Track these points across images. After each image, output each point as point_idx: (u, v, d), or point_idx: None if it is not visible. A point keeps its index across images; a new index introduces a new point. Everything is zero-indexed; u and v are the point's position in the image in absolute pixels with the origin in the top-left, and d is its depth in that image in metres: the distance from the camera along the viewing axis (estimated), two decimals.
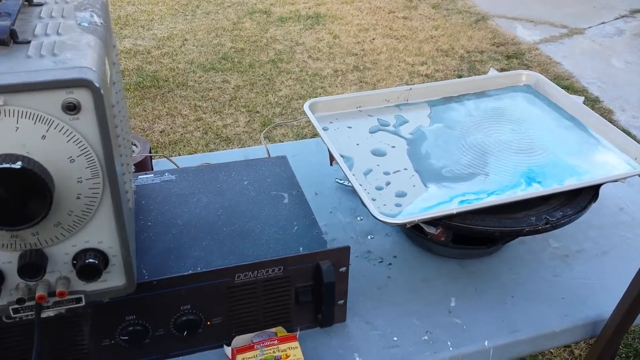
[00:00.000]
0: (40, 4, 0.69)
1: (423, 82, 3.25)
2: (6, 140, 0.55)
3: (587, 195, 0.87)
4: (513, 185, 0.87)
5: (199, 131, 2.82)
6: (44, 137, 0.56)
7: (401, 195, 0.86)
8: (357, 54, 3.56)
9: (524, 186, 0.87)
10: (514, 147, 0.96)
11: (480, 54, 3.61)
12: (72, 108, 0.55)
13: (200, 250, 0.79)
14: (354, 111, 1.05)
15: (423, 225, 0.80)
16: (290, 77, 3.30)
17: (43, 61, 0.57)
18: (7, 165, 0.53)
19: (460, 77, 3.33)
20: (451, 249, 0.95)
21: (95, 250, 0.63)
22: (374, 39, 3.75)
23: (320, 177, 1.15)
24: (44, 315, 0.65)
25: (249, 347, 0.79)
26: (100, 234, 0.63)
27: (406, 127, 1.01)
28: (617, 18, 4.15)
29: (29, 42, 0.60)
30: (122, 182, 0.63)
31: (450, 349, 0.83)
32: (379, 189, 0.87)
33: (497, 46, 3.72)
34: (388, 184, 0.88)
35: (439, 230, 0.81)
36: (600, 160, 0.94)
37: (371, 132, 1.00)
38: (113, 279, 0.67)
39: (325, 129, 0.98)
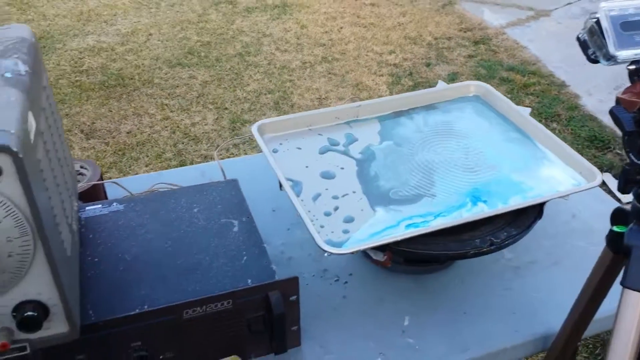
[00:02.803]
0: None
1: (392, 72, 3.26)
2: None
3: (532, 213, 0.88)
4: (459, 206, 0.88)
5: (167, 130, 2.79)
6: None
7: (349, 220, 0.87)
8: (325, 44, 3.54)
9: (470, 206, 0.88)
10: (460, 164, 0.97)
11: (448, 40, 3.62)
12: None
13: (147, 287, 0.79)
14: (304, 130, 1.04)
15: (369, 252, 0.81)
16: (258, 71, 3.27)
17: None
18: None
19: (428, 65, 3.34)
20: (405, 265, 0.96)
21: (35, 302, 0.63)
22: (342, 28, 3.73)
23: (279, 192, 1.15)
24: None
25: None
26: (38, 286, 0.62)
27: (356, 145, 1.01)
28: None
29: None
30: (55, 234, 0.62)
31: None
32: (327, 214, 0.88)
33: (465, 32, 3.73)
34: (336, 208, 0.89)
35: (385, 257, 0.81)
36: (545, 175, 0.95)
37: (321, 153, 0.99)
38: (56, 327, 0.66)
39: (275, 151, 0.98)
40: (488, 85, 1.12)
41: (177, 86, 3.12)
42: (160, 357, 0.79)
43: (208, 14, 3.88)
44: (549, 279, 0.99)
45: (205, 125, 2.83)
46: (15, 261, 0.60)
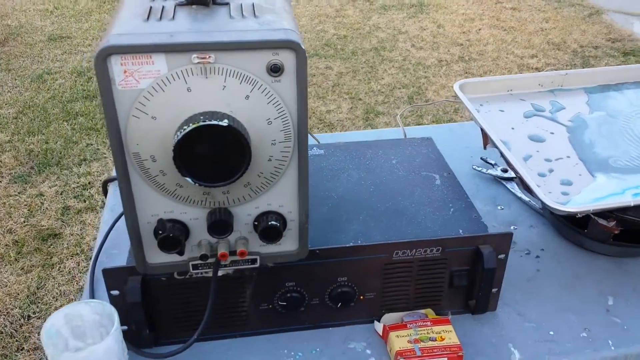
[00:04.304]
0: None
1: None
2: (213, 98, 0.56)
3: None
4: None
5: None
6: (247, 97, 0.56)
7: (567, 183, 0.82)
8: (462, 44, 3.47)
9: None
10: None
11: (595, 49, 3.42)
12: (276, 70, 0.56)
13: (359, 224, 0.79)
14: (505, 94, 1.01)
15: (596, 218, 0.76)
16: (392, 66, 3.26)
17: (247, 22, 0.57)
18: (215, 123, 0.54)
19: None
20: (608, 245, 0.89)
21: (276, 214, 0.64)
22: (480, 30, 3.63)
23: (455, 163, 1.11)
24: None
25: (402, 326, 0.78)
26: (282, 197, 0.63)
27: (563, 113, 0.96)
28: None
29: (227, 3, 0.61)
30: (306, 147, 0.63)
31: (612, 348, 0.78)
32: (542, 175, 0.83)
33: (613, 42, 3.51)
34: (551, 171, 0.84)
35: (612, 224, 0.76)
36: None
37: (526, 117, 0.95)
38: (287, 244, 0.67)
39: (477, 112, 0.95)
40: None
41: (314, 75, 3.18)
42: (361, 296, 0.79)
43: (345, 10, 3.93)
44: None
45: (340, 113, 2.85)
46: (272, 166, 0.61)
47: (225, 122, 0.54)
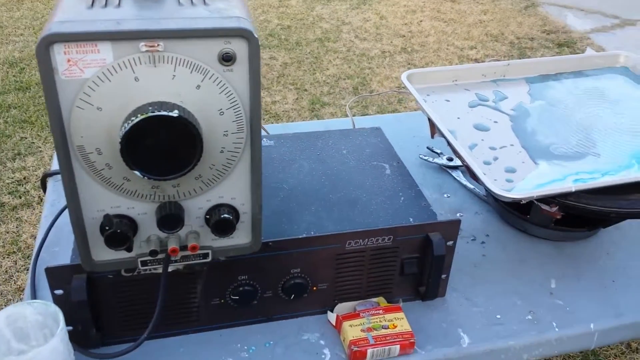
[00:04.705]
0: None
1: None
2: (162, 88, 0.54)
3: None
4: (626, 166, 0.85)
5: None
6: (198, 87, 0.55)
7: (511, 170, 0.84)
8: (404, 36, 3.52)
9: (637, 167, 0.85)
10: (620, 128, 0.93)
11: (531, 40, 3.54)
12: (228, 59, 0.54)
13: (311, 215, 0.79)
14: (450, 85, 1.02)
15: (539, 203, 0.78)
16: (337, 57, 3.27)
17: (197, 9, 0.56)
18: (165, 113, 0.52)
19: None
20: (550, 230, 0.93)
21: (229, 206, 0.63)
22: (421, 21, 3.69)
23: (402, 153, 1.13)
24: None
25: (354, 315, 0.78)
26: (235, 190, 0.62)
27: (506, 102, 0.98)
28: None
29: None
30: (259, 137, 0.62)
31: (556, 329, 0.81)
32: (487, 163, 0.85)
33: (548, 33, 3.64)
34: (496, 159, 0.86)
35: (554, 209, 0.79)
36: None
37: (471, 107, 0.97)
38: (240, 237, 0.66)
39: (424, 101, 0.96)
40: (639, 57, 1.08)
41: None
42: (314, 287, 0.79)
43: (288, 0, 3.91)
44: None
45: (285, 104, 2.84)
46: (224, 158, 0.60)
47: (175, 113, 0.52)
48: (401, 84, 1.01)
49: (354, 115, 1.23)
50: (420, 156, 1.13)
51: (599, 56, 1.09)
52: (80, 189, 0.57)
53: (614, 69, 1.09)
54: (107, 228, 0.58)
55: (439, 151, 1.14)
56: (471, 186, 1.05)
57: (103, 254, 0.62)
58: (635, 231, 0.99)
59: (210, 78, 0.55)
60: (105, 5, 0.54)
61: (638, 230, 1.00)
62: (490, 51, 3.38)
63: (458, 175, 1.09)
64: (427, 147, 1.15)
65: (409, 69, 3.19)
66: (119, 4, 0.55)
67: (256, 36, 0.54)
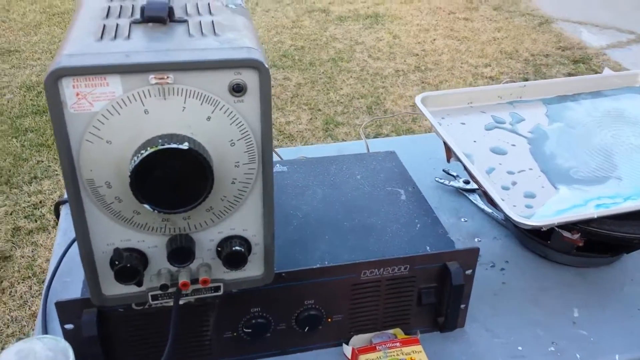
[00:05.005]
0: None
1: (488, 85, 3.18)
2: (172, 120, 0.53)
3: None
4: None
5: None
6: (209, 118, 0.54)
7: (530, 196, 0.82)
8: (418, 55, 3.51)
9: None
10: None
11: (546, 57, 3.51)
12: (238, 89, 0.53)
13: (325, 244, 0.77)
14: (465, 107, 1.01)
15: (560, 230, 0.76)
16: (351, 76, 3.27)
17: (207, 40, 0.55)
18: (175, 146, 0.51)
19: (526, 80, 3.24)
20: (572, 256, 0.90)
21: (240, 238, 0.61)
22: (434, 40, 3.69)
23: (418, 176, 1.11)
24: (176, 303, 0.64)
25: (371, 348, 0.76)
26: (247, 221, 0.61)
27: (524, 124, 0.96)
28: None
29: (185, 21, 0.58)
30: (272, 168, 0.61)
31: None
32: (505, 188, 0.83)
33: (563, 50, 3.61)
34: (514, 183, 0.84)
35: (576, 236, 0.76)
36: None
37: (487, 129, 0.95)
38: (252, 269, 0.65)
39: (439, 125, 0.94)
40: None
41: (273, 86, 3.14)
42: (329, 319, 0.77)
43: (301, 21, 3.93)
44: None
45: (299, 124, 2.83)
46: (236, 189, 0.58)
47: (185, 145, 0.51)
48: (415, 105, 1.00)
49: (367, 136, 1.22)
50: (437, 179, 1.11)
51: (618, 76, 1.07)
52: (89, 222, 0.56)
53: (633, 89, 1.07)
54: (117, 262, 0.57)
55: (455, 174, 1.12)
56: (489, 210, 1.03)
57: (113, 288, 0.60)
58: None
59: (220, 109, 0.54)
60: (115, 37, 0.54)
61: None
62: (505, 68, 3.36)
63: (475, 198, 1.07)
64: (443, 170, 1.13)
65: (423, 87, 3.18)
66: (129, 35, 0.54)
67: (267, 66, 0.53)
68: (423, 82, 3.22)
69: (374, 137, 2.67)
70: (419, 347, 0.76)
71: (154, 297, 0.62)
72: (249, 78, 0.53)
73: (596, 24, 4.01)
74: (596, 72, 3.36)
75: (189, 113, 0.53)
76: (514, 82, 1.08)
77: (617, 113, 1.00)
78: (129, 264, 0.57)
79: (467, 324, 0.83)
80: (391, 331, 0.80)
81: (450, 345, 0.80)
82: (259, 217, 0.61)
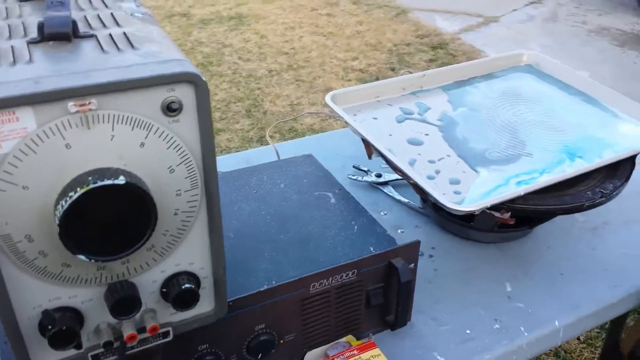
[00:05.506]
0: None
1: (359, 77, 3.27)
2: (100, 152, 0.45)
3: (626, 165, 0.88)
4: (558, 162, 0.87)
5: None
6: (142, 145, 0.47)
7: (455, 182, 0.83)
8: (288, 53, 3.52)
9: (569, 162, 0.87)
10: (542, 125, 0.96)
11: (407, 46, 3.68)
12: (173, 109, 0.47)
13: (266, 262, 0.72)
14: (373, 102, 1.00)
15: (490, 212, 0.78)
16: (223, 80, 3.19)
17: (126, 56, 0.48)
18: (110, 182, 0.44)
19: (393, 69, 3.38)
20: (493, 234, 0.93)
21: (188, 274, 0.55)
22: (302, 37, 3.72)
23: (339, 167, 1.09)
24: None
25: None
26: (192, 254, 0.54)
27: (431, 113, 0.98)
28: (527, 5, 4.39)
29: (92, 35, 0.51)
30: (217, 190, 0.55)
31: (525, 334, 0.81)
32: (431, 177, 0.84)
33: (422, 38, 3.81)
34: (437, 172, 0.85)
35: (507, 215, 0.78)
36: (624, 131, 0.96)
37: (398, 122, 0.96)
38: (202, 305, 0.58)
39: (354, 122, 0.93)
40: (541, 54, 1.13)
41: None
42: (281, 341, 0.72)
43: (162, 26, 3.76)
44: (628, 235, 0.99)
45: None
46: (179, 221, 0.52)
47: (122, 180, 0.44)
48: (324, 105, 0.97)
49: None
50: (349, 176, 1.10)
51: (504, 57, 1.13)
52: (9, 286, 0.46)
53: (520, 68, 1.13)
54: (49, 327, 0.48)
55: (366, 169, 1.11)
56: (405, 200, 1.03)
57: (47, 356, 0.51)
58: (563, 220, 1.03)
59: (155, 133, 0.47)
60: (14, 61, 0.45)
61: (566, 219, 1.03)
62: (372, 60, 3.47)
63: (390, 190, 1.07)
64: (354, 166, 1.12)
65: (298, 85, 3.19)
66: (31, 58, 0.45)
67: (204, 79, 0.47)
68: (297, 80, 3.23)
69: (257, 142, 2.63)
70: (377, 351, 0.74)
71: (95, 357, 0.54)
72: (185, 94, 0.47)
73: (448, 10, 4.28)
74: (453, 56, 3.59)
75: (119, 141, 0.46)
76: (412, 72, 1.09)
77: (511, 92, 1.05)
78: (64, 327, 0.48)
79: (413, 316, 0.82)
80: (344, 339, 0.77)
81: (402, 341, 0.79)
82: (206, 247, 0.55)
